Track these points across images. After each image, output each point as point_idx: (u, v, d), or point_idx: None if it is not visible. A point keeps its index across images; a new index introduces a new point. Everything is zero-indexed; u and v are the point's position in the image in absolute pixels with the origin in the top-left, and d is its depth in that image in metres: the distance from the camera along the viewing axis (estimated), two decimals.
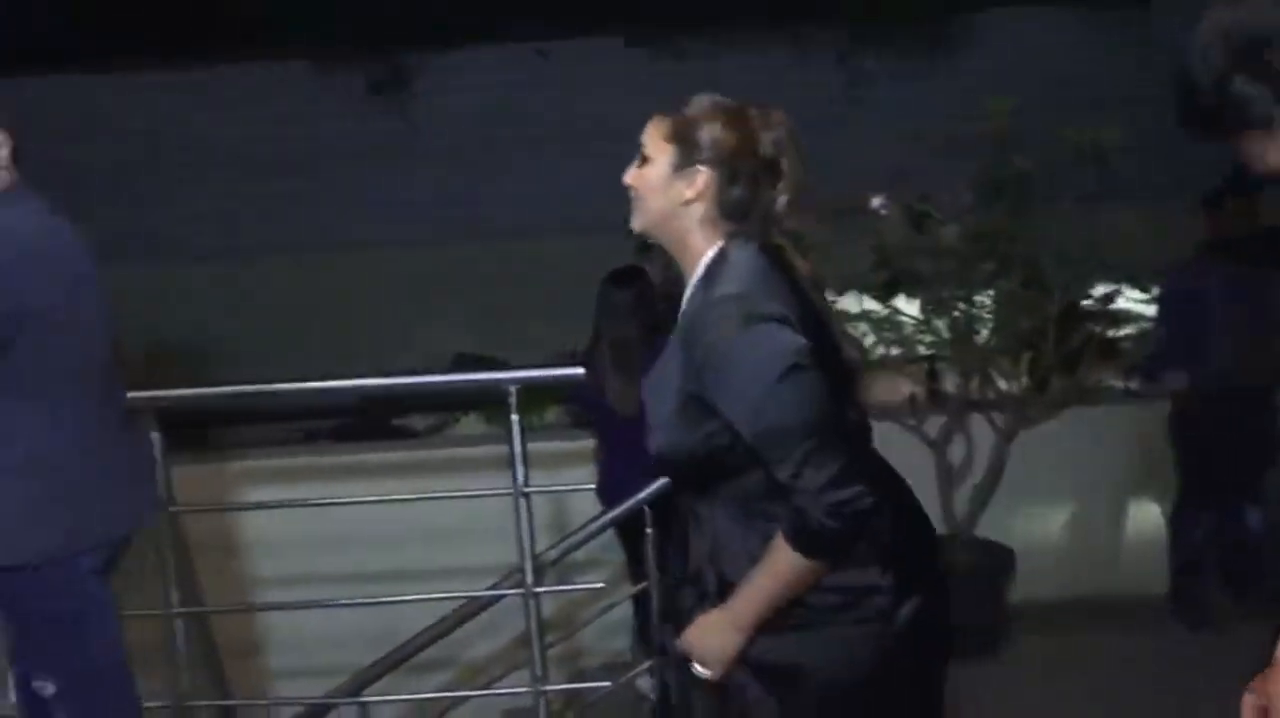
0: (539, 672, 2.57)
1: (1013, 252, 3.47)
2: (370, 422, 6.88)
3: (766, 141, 1.59)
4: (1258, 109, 1.05)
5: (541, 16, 8.10)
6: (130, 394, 2.25)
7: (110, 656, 2.10)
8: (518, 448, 2.48)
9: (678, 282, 1.62)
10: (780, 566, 1.50)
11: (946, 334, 3.67)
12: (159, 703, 2.40)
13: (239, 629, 3.38)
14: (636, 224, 1.63)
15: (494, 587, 2.64)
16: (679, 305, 1.64)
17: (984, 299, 3.61)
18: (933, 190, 3.57)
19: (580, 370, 2.62)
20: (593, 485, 2.74)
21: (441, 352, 7.48)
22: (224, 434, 5.48)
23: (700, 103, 1.60)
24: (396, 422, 6.99)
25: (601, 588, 2.78)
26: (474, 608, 2.68)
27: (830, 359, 1.56)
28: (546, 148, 8.07)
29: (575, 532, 2.74)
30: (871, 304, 3.68)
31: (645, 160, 1.60)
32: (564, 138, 8.05)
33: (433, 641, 2.74)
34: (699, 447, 1.56)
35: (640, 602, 3.02)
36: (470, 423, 6.75)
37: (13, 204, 1.99)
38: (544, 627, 2.55)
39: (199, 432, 4.96)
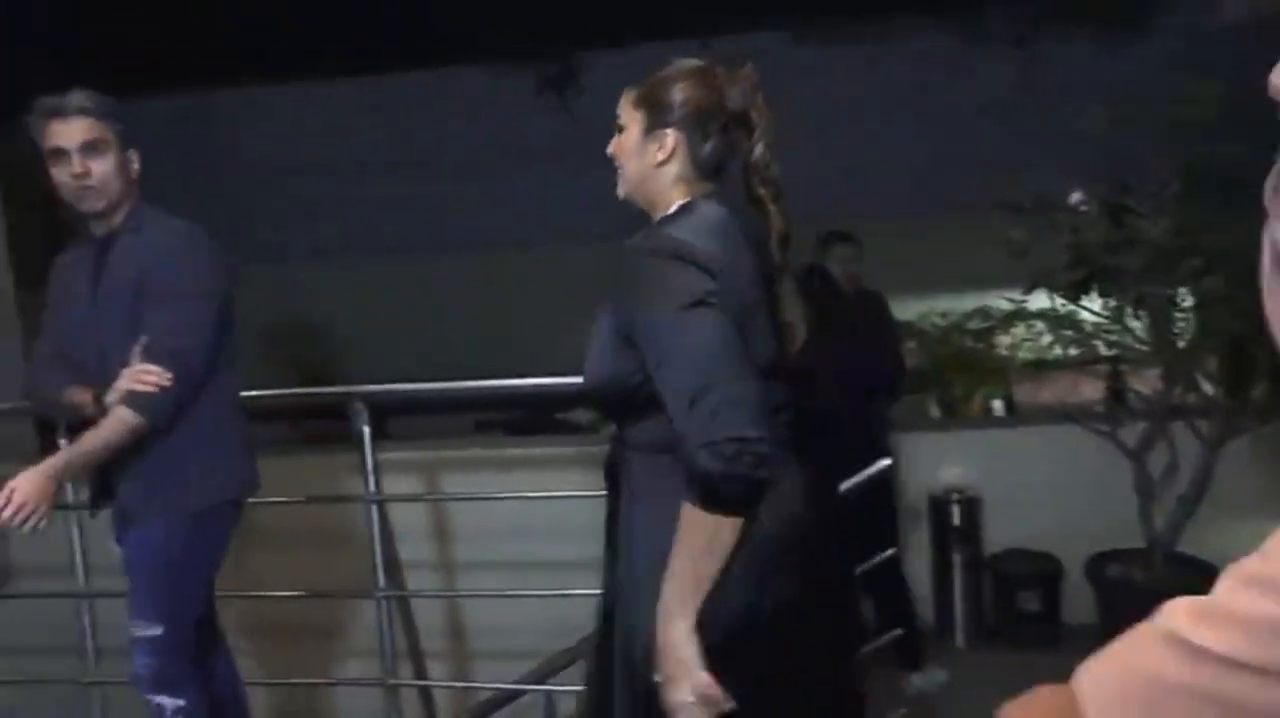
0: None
1: (1221, 247, 3.25)
2: (537, 416, 7.10)
3: (734, 96, 1.60)
4: None
5: (709, 11, 8.12)
6: (344, 388, 2.43)
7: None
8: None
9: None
10: (688, 533, 1.45)
11: (1143, 334, 3.48)
12: (369, 679, 2.54)
13: (432, 613, 3.54)
14: (621, 191, 1.66)
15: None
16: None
17: (1187, 298, 3.40)
18: (1130, 182, 3.39)
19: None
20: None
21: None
22: (400, 423, 5.76)
23: (666, 67, 1.63)
24: (560, 416, 7.19)
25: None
26: None
27: (761, 318, 1.56)
28: None
29: None
30: (1057, 302, 3.54)
31: (620, 129, 1.64)
32: None
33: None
34: (612, 379, 1.55)
35: None
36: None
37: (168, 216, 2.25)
38: None
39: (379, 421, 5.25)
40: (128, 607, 2.23)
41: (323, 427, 6.07)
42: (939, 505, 4.03)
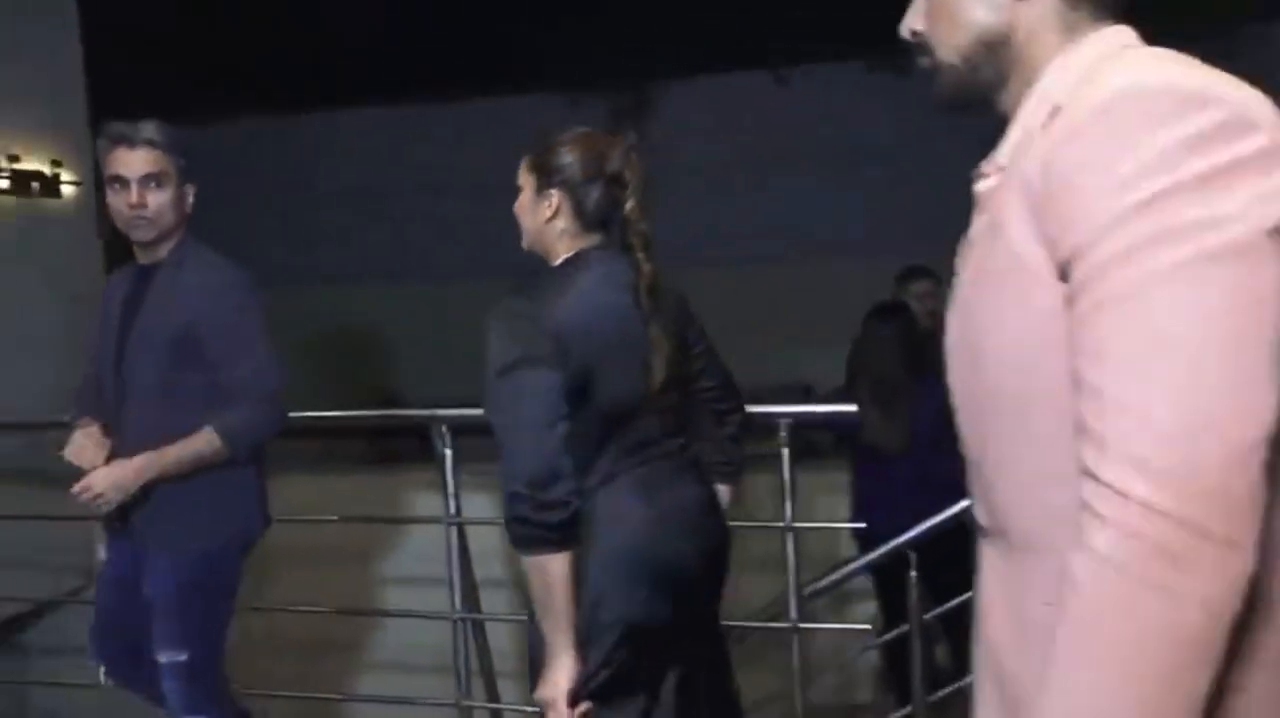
0: (799, 709, 2.53)
1: None
2: None
3: (613, 159, 1.82)
4: None
5: (781, 42, 8.12)
6: (424, 411, 2.44)
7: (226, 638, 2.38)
8: (787, 481, 2.45)
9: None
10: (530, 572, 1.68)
11: None
12: (443, 702, 2.54)
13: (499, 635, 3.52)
14: (524, 244, 1.91)
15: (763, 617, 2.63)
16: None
17: None
18: None
19: (852, 408, 2.57)
20: (862, 524, 2.68)
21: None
22: (468, 444, 5.81)
23: (553, 135, 1.87)
24: None
25: (867, 629, 2.70)
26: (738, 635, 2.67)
27: (624, 360, 1.74)
28: (786, 173, 8.08)
29: (839, 567, 2.68)
30: None
31: (519, 190, 1.88)
32: (805, 163, 8.03)
33: None
34: None
35: (892, 649, 2.92)
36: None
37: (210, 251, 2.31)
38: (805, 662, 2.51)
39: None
40: (152, 643, 2.27)
41: (393, 445, 6.15)
42: None
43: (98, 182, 4.99)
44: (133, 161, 2.17)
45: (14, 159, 4.64)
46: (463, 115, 8.15)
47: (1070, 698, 0.81)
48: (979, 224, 1.01)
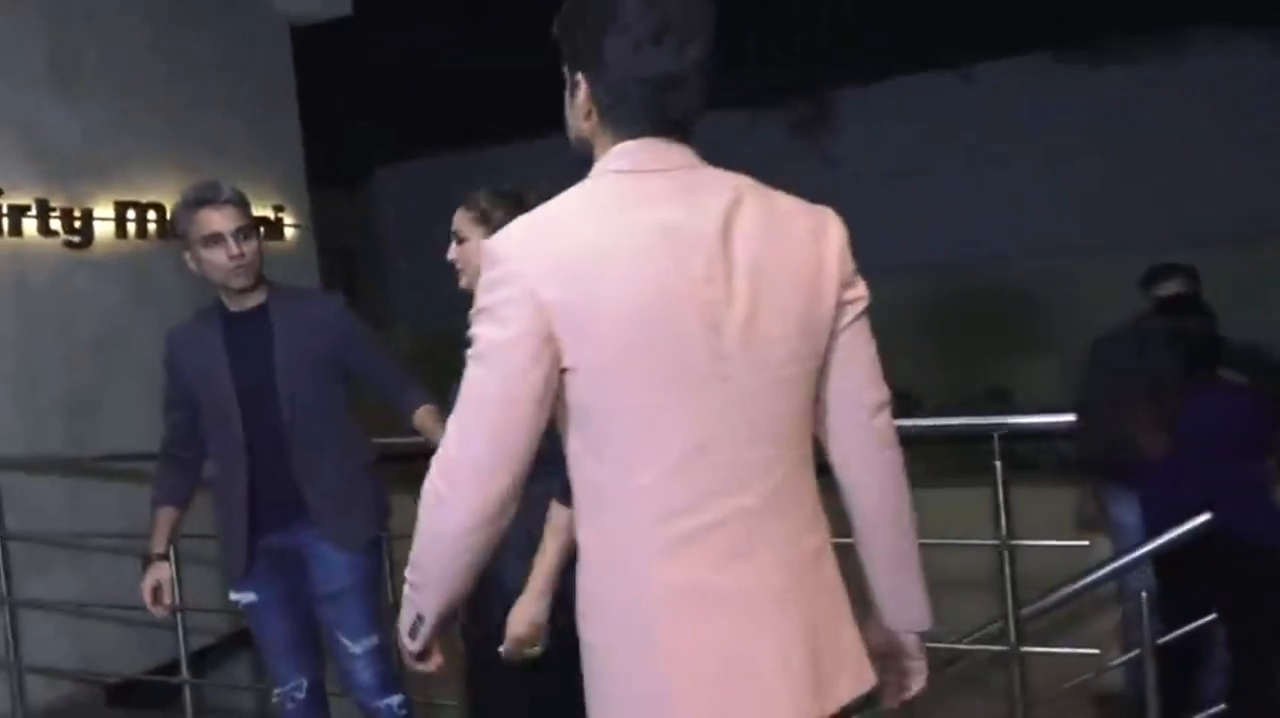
0: None
1: None
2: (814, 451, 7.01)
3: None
4: None
5: (967, 40, 7.85)
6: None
7: None
8: (1001, 497, 2.36)
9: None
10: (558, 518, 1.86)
11: None
12: None
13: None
14: (464, 283, 2.10)
15: (974, 639, 2.53)
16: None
17: None
18: None
19: (1072, 417, 2.44)
20: (1085, 542, 2.53)
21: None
22: None
23: (486, 197, 2.13)
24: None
25: (1094, 655, 2.54)
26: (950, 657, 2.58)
27: None
28: (973, 172, 7.80)
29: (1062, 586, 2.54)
30: None
31: (462, 240, 2.13)
32: (993, 161, 7.74)
33: None
34: None
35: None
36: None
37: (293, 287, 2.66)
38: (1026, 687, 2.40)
39: None
40: (338, 636, 2.49)
41: None
42: None
43: (317, 223, 5.43)
44: (224, 219, 2.37)
45: None
46: None
47: None
48: None
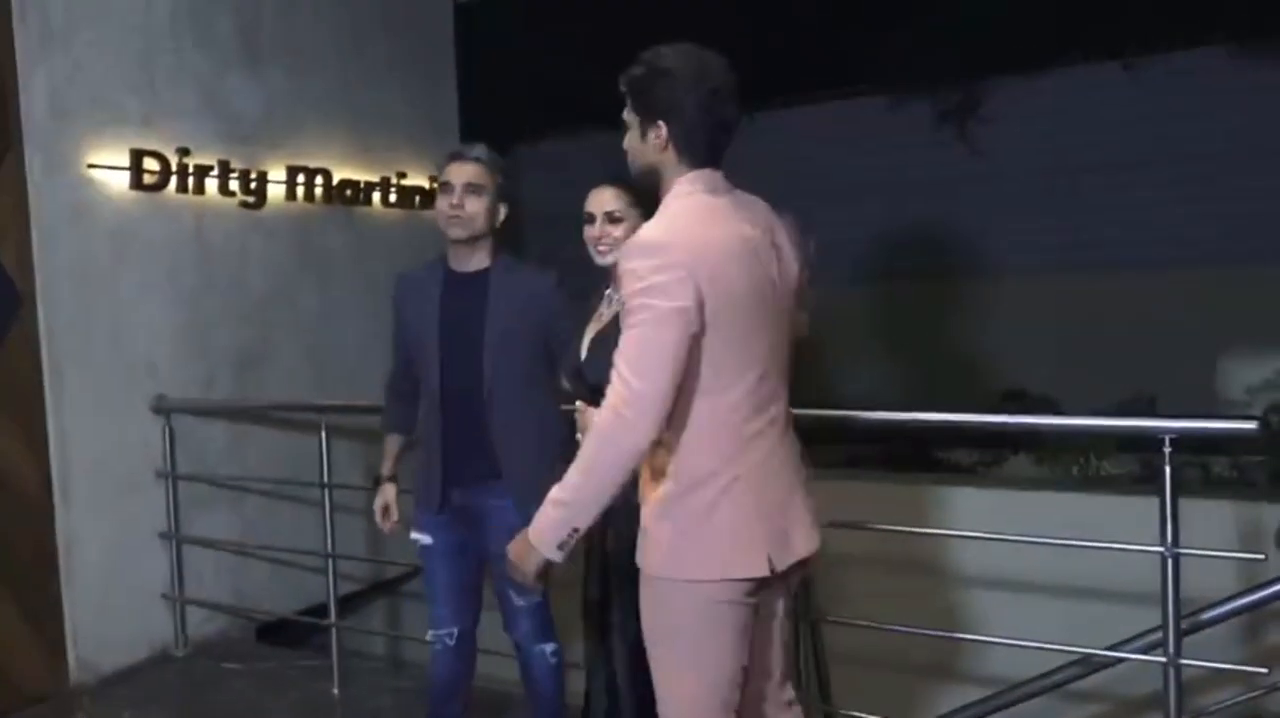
0: None
1: None
2: (914, 451, 6.90)
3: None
4: None
5: (1130, 29, 7.50)
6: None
7: None
8: (1169, 503, 2.29)
9: None
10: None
11: None
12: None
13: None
14: (607, 260, 2.32)
15: (1131, 647, 2.46)
16: None
17: None
18: None
19: (1251, 424, 2.34)
20: (1260, 555, 2.41)
21: (995, 389, 7.30)
22: None
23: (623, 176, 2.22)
24: (940, 454, 6.93)
25: (1264, 673, 2.44)
26: (1099, 663, 2.52)
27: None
28: (1136, 175, 7.47)
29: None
30: None
31: (618, 220, 2.36)
32: (1154, 161, 7.39)
33: (1048, 688, 2.63)
34: None
35: None
36: (1018, 463, 6.48)
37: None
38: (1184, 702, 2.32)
39: None
40: (507, 589, 2.65)
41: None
42: None
43: None
44: (459, 172, 2.57)
45: (401, 175, 5.28)
46: (788, 120, 8.19)
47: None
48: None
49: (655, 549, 1.89)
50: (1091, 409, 5.85)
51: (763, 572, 1.85)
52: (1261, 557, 2.42)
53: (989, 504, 4.70)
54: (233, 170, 4.43)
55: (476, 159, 2.59)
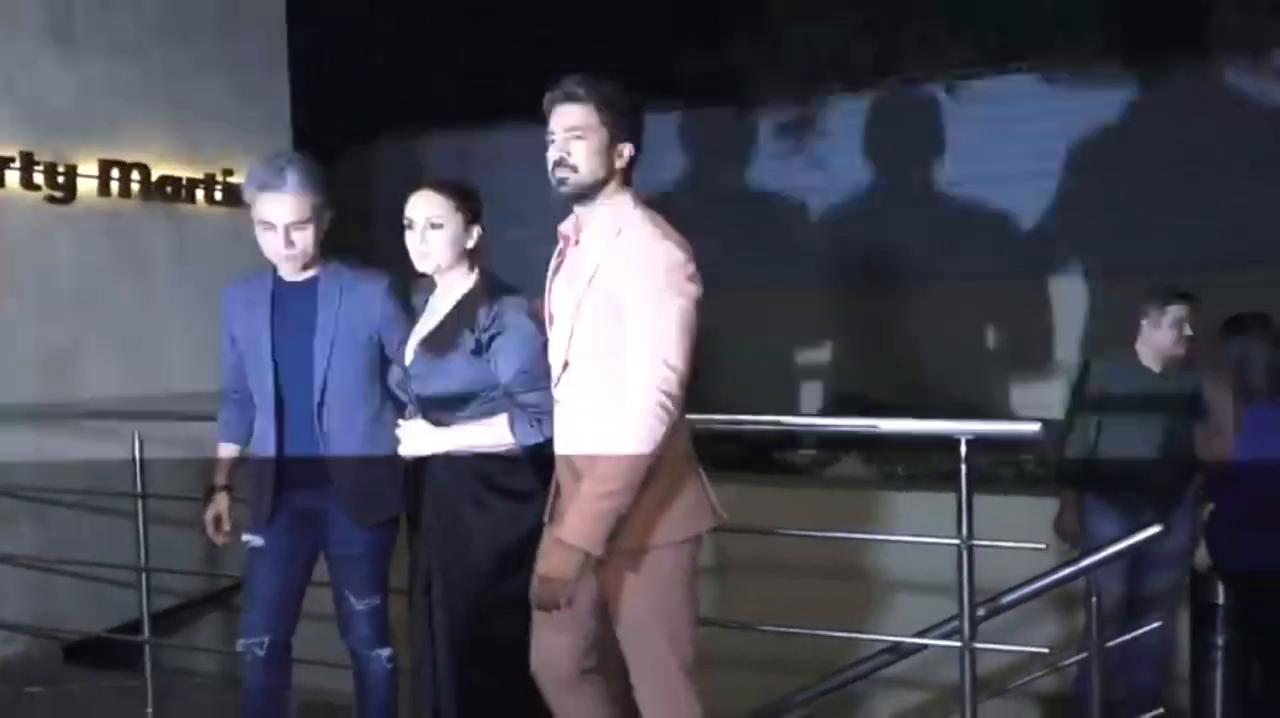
0: None
1: None
2: (754, 454, 7.10)
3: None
4: None
5: (950, 53, 7.96)
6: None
7: None
8: (964, 498, 2.44)
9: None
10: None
11: None
12: None
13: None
14: (431, 267, 2.42)
15: (934, 633, 2.61)
16: None
17: None
18: None
19: (1035, 427, 2.52)
20: (1041, 545, 2.60)
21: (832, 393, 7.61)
22: None
23: (458, 188, 2.41)
24: (776, 455, 7.17)
25: (1046, 653, 2.63)
26: (904, 653, 2.67)
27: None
28: (956, 189, 7.92)
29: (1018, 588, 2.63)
30: None
31: (439, 226, 2.38)
32: (976, 180, 7.85)
33: (857, 678, 2.76)
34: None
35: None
36: (849, 464, 6.76)
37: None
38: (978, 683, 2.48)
39: None
40: (345, 592, 2.62)
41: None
42: (1202, 583, 3.75)
43: None
44: (277, 211, 2.42)
45: (228, 173, 5.07)
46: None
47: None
48: (570, 267, 2.16)
49: (645, 520, 2.02)
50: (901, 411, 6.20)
51: (711, 524, 2.14)
52: (1043, 547, 2.61)
53: (817, 503, 4.90)
54: (37, 163, 4.16)
55: (292, 192, 2.41)
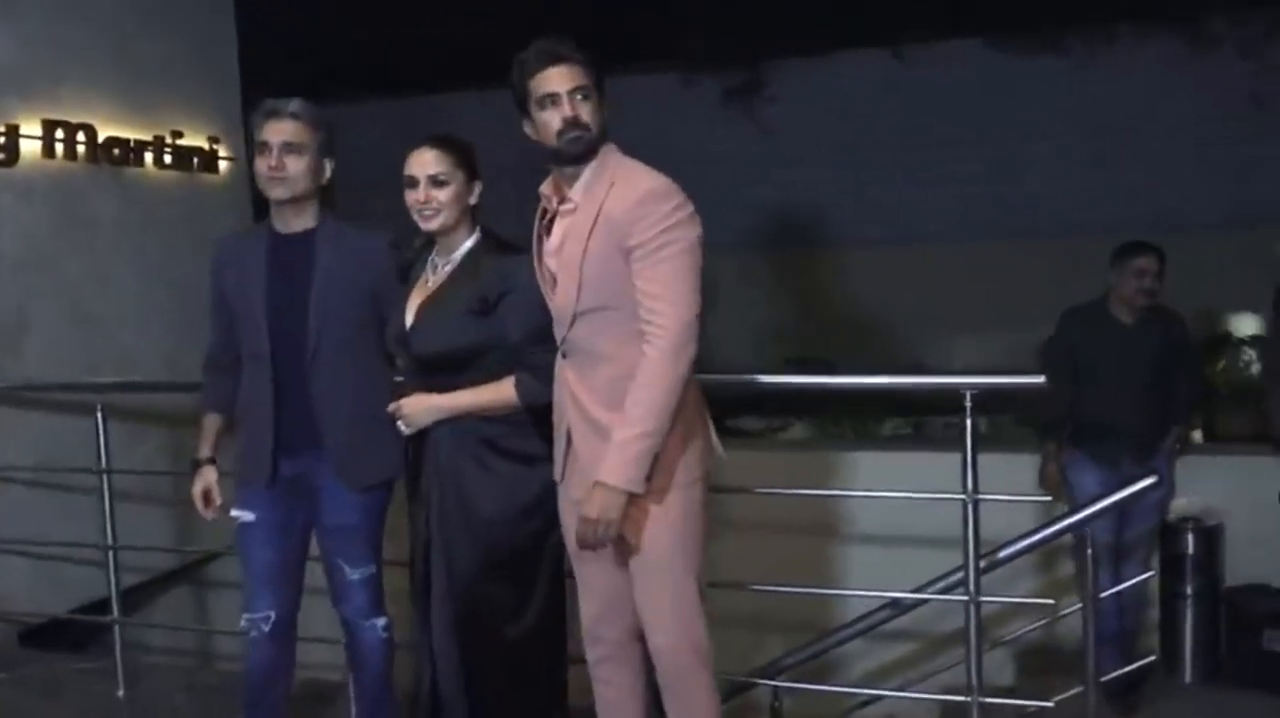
0: (974, 681, 2.54)
1: None
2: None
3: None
4: None
5: (899, 20, 7.99)
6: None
7: None
8: (969, 454, 2.46)
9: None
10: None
11: None
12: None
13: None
14: (437, 224, 2.35)
15: (935, 588, 2.63)
16: None
17: None
18: None
19: (1040, 379, 2.54)
20: (1047, 498, 2.64)
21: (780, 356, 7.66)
22: None
23: (458, 144, 2.36)
24: (729, 422, 7.21)
25: (1049, 604, 2.68)
26: (907, 607, 2.68)
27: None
28: (902, 154, 7.99)
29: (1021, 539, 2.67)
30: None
31: (443, 183, 2.31)
32: (919, 145, 7.92)
33: (855, 635, 2.78)
34: None
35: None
36: (798, 429, 6.82)
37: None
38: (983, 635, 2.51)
39: None
40: (338, 562, 2.56)
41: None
42: (1172, 533, 3.86)
43: (250, 157, 5.24)
44: (275, 130, 2.43)
45: (177, 135, 4.86)
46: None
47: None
48: (565, 225, 2.15)
49: (669, 458, 2.07)
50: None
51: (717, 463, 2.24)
52: (1048, 498, 2.65)
53: (784, 464, 4.92)
54: None
55: (294, 115, 2.42)
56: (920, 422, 6.40)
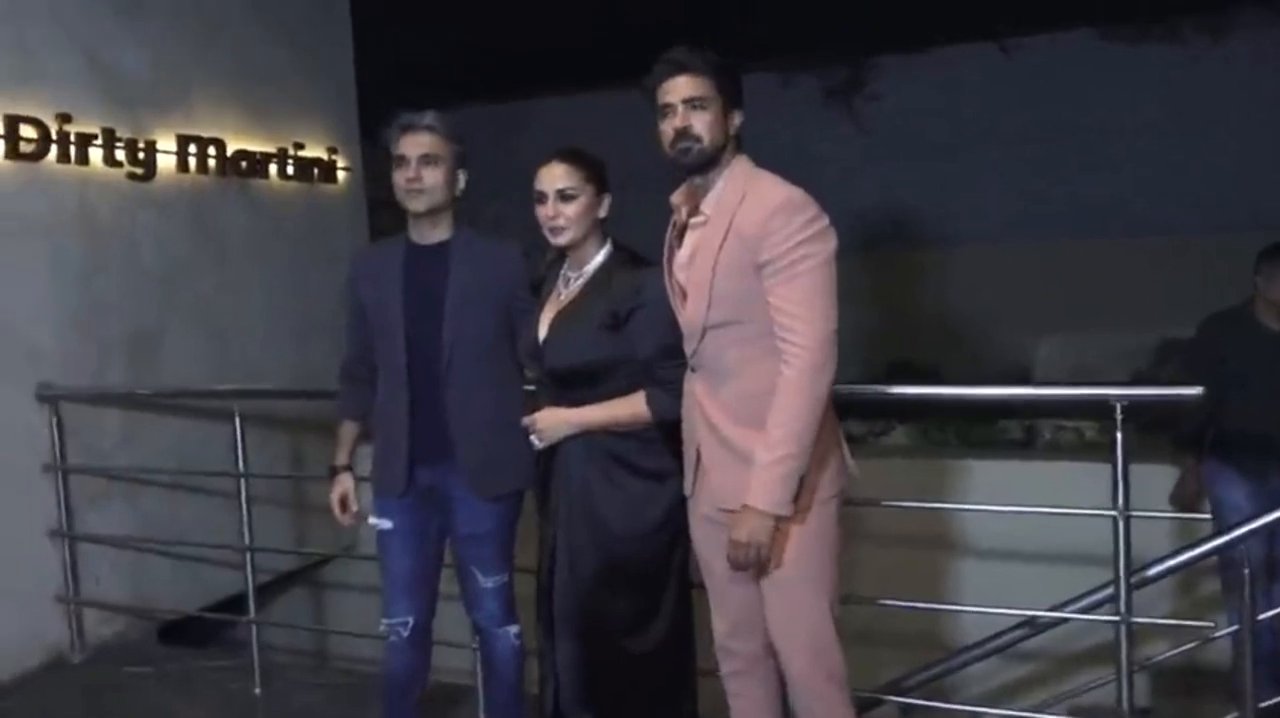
0: (1124, 705, 2.46)
1: None
2: None
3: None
4: None
5: (1003, 11, 7.79)
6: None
7: None
8: (1120, 468, 2.38)
9: None
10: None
11: None
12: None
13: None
14: (565, 240, 2.35)
15: (1077, 607, 2.55)
16: None
17: None
18: None
19: (1196, 390, 2.44)
20: (1206, 516, 2.54)
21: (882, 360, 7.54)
22: None
23: (587, 159, 2.35)
24: None
25: (1208, 627, 2.57)
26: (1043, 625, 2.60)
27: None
28: (1006, 151, 7.79)
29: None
30: None
31: (571, 198, 2.32)
32: (1025, 140, 7.72)
33: (991, 653, 2.71)
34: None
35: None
36: (900, 434, 6.71)
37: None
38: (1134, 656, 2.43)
39: None
40: (472, 569, 2.60)
41: None
42: None
43: (367, 168, 5.37)
44: (412, 144, 2.47)
45: (299, 146, 5.01)
46: None
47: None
48: (696, 238, 2.14)
49: (808, 479, 2.05)
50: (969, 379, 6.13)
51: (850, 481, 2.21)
52: (1207, 517, 2.54)
53: (890, 471, 4.83)
54: (119, 139, 4.10)
55: (429, 128, 2.47)
56: (1030, 424, 6.24)
